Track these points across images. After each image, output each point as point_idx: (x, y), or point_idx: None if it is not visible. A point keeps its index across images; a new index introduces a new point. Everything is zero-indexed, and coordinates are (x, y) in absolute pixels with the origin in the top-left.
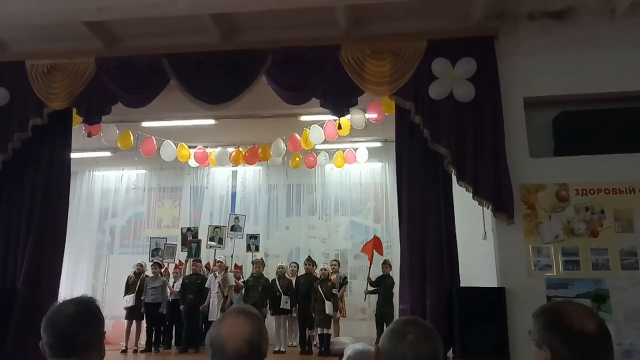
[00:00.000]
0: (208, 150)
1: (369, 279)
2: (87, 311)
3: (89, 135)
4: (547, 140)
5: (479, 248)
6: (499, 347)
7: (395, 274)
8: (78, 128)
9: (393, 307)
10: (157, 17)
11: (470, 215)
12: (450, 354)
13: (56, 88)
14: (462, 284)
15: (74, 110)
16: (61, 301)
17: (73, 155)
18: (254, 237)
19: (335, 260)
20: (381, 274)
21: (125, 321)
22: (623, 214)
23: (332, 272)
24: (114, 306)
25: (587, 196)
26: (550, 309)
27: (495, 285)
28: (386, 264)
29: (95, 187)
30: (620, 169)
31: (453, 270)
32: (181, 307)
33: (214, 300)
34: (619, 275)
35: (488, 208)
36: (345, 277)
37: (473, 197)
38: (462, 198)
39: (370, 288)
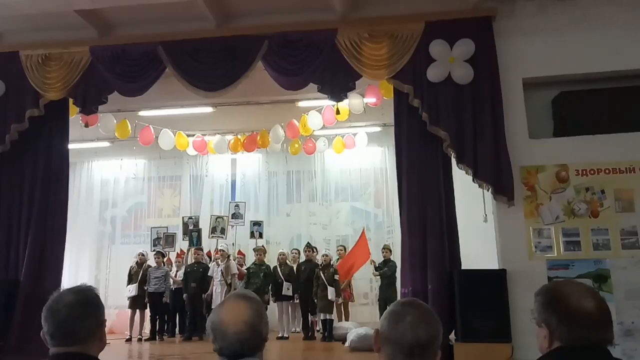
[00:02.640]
0: (206, 138)
1: (372, 262)
2: (86, 300)
3: (86, 125)
4: (546, 121)
5: (479, 231)
6: (500, 329)
7: (397, 258)
8: (75, 118)
9: (396, 291)
10: (151, 4)
11: (470, 198)
12: (452, 336)
13: (51, 78)
14: (463, 267)
15: (70, 101)
16: (61, 290)
17: (71, 145)
18: (257, 223)
19: (341, 245)
20: (382, 259)
21: (129, 311)
22: (623, 194)
23: (339, 258)
24: (117, 296)
25: (587, 176)
26: (550, 288)
27: (496, 267)
28: (386, 249)
29: (94, 177)
30: (620, 148)
31: (454, 253)
32: (184, 295)
33: (217, 288)
34: (619, 255)
35: (488, 190)
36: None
37: (473, 180)
38: (462, 181)
39: (376, 273)
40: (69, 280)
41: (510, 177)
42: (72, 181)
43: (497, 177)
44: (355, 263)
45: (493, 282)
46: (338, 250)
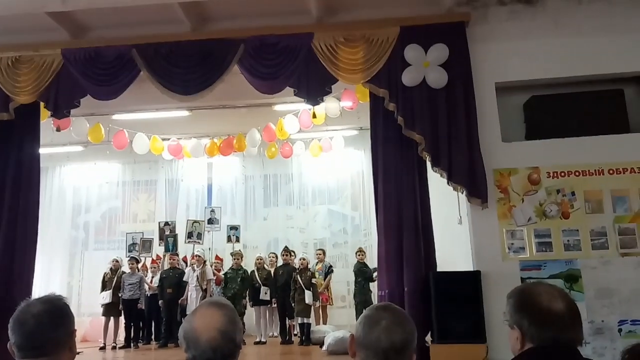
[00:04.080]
0: (182, 142)
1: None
2: (55, 310)
3: (58, 129)
4: (518, 124)
5: (454, 233)
6: (475, 330)
7: (374, 261)
8: (47, 122)
9: (371, 294)
10: (124, 7)
11: (445, 201)
12: (428, 338)
13: (22, 82)
14: (438, 269)
15: (42, 104)
16: (28, 300)
17: (42, 150)
18: (234, 228)
19: (320, 249)
20: (356, 261)
21: (103, 318)
22: (593, 196)
23: (318, 262)
24: (91, 303)
25: (558, 179)
26: (521, 290)
27: (471, 269)
28: (361, 252)
29: (66, 182)
30: (590, 151)
31: (430, 255)
32: (160, 301)
33: (192, 294)
34: (589, 255)
35: (462, 193)
36: (331, 266)
37: (448, 183)
38: (437, 184)
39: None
40: (40, 287)
41: (483, 179)
42: (44, 186)
43: (471, 180)
44: None
45: (468, 283)
46: (317, 254)
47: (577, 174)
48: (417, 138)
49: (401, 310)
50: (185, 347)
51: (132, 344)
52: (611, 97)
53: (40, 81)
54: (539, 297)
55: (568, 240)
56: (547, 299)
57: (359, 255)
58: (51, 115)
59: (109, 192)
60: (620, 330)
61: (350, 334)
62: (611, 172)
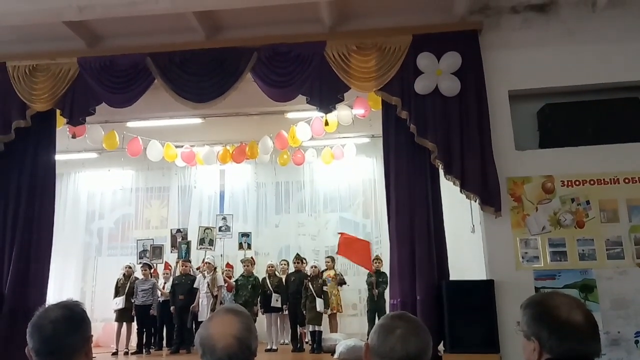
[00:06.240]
0: (195, 149)
1: (370, 283)
2: (73, 315)
3: (74, 136)
4: (532, 132)
5: (467, 241)
6: (489, 339)
7: (386, 269)
8: (62, 129)
9: (385, 302)
10: (139, 16)
11: (458, 209)
12: (441, 347)
13: (39, 89)
14: (451, 278)
15: (58, 112)
16: (46, 306)
17: (58, 157)
18: (245, 235)
19: (329, 257)
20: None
21: (116, 324)
22: (608, 205)
23: (327, 269)
24: (104, 309)
25: (572, 187)
26: (538, 300)
27: (484, 278)
28: (377, 260)
29: (81, 188)
30: (604, 160)
31: (442, 264)
32: (172, 308)
33: (203, 301)
34: (605, 265)
35: (475, 201)
36: (343, 278)
37: (460, 191)
38: (450, 192)
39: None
40: (54, 292)
41: (497, 188)
42: (59, 192)
43: (484, 188)
44: (355, 257)
45: (481, 292)
46: (326, 261)
47: (592, 182)
48: (429, 146)
49: (416, 319)
50: (202, 353)
51: (144, 350)
52: (626, 105)
53: (57, 89)
54: (558, 309)
55: (583, 250)
56: (567, 311)
57: (375, 263)
58: (67, 123)
59: (123, 199)
60: (637, 342)
61: (365, 343)
62: (627, 180)
